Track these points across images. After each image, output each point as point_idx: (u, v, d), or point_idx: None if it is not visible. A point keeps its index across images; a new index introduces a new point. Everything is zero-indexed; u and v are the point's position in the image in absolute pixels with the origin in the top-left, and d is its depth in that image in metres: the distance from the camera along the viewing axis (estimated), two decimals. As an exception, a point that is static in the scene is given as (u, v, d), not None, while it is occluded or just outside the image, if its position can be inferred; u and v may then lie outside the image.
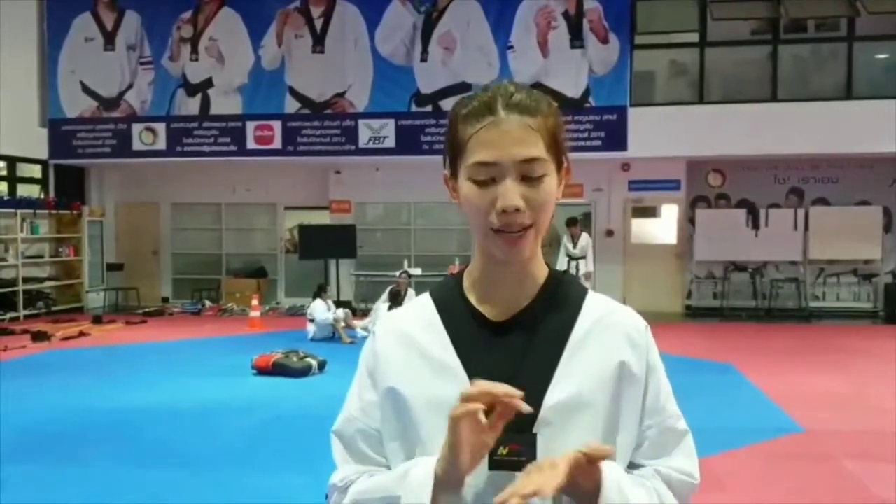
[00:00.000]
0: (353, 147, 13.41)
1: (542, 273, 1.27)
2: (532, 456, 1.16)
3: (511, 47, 12.87)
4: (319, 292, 11.14)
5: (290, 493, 4.71)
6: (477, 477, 1.17)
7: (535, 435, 1.17)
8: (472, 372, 1.19)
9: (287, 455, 5.51)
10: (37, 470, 5.20)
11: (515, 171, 1.16)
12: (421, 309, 1.30)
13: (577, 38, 12.77)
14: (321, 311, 10.84)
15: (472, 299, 1.27)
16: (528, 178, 1.17)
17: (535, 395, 1.17)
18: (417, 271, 13.28)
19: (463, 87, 12.61)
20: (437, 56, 13.10)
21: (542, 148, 1.18)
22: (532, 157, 1.17)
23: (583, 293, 1.29)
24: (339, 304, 11.55)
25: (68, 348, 10.27)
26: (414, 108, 13.21)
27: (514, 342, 1.22)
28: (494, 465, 1.16)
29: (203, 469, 5.25)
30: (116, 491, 4.83)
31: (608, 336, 1.24)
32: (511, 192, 1.15)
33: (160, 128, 13.89)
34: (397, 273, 11.72)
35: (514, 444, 1.16)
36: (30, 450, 5.67)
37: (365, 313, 11.52)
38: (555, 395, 1.18)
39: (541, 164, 1.17)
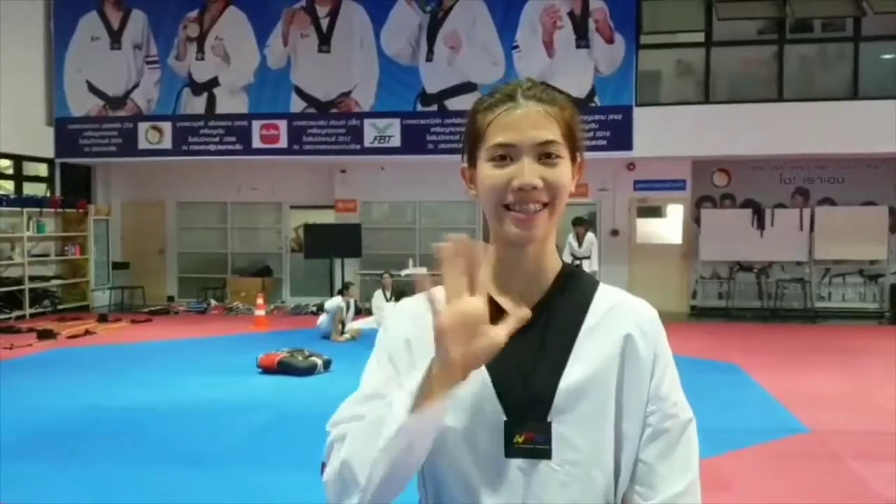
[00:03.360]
0: (358, 146, 13.43)
1: (555, 265, 1.31)
2: (548, 443, 1.20)
3: (516, 47, 12.86)
4: (342, 290, 11.28)
5: (294, 492, 4.72)
6: (494, 466, 1.21)
7: (550, 423, 1.21)
8: (489, 363, 1.21)
9: (292, 453, 5.52)
10: (43, 467, 5.22)
11: (533, 153, 1.22)
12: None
13: (582, 38, 12.76)
14: (332, 305, 10.93)
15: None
16: (545, 160, 1.22)
17: (550, 385, 1.22)
18: (423, 270, 13.28)
19: (468, 87, 12.63)
20: (443, 56, 13.11)
21: (559, 134, 1.24)
22: (549, 140, 1.22)
23: (594, 285, 1.32)
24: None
25: (74, 347, 10.30)
26: (419, 108, 13.22)
27: (529, 334, 1.23)
28: (511, 452, 1.21)
29: (208, 467, 5.27)
30: (122, 488, 4.85)
31: (618, 324, 1.26)
32: (529, 171, 1.21)
33: (166, 127, 13.92)
34: (382, 273, 11.80)
35: (530, 433, 1.20)
36: (36, 447, 5.70)
37: (370, 312, 11.54)
38: (566, 383, 1.22)
39: (557, 147, 1.23)
